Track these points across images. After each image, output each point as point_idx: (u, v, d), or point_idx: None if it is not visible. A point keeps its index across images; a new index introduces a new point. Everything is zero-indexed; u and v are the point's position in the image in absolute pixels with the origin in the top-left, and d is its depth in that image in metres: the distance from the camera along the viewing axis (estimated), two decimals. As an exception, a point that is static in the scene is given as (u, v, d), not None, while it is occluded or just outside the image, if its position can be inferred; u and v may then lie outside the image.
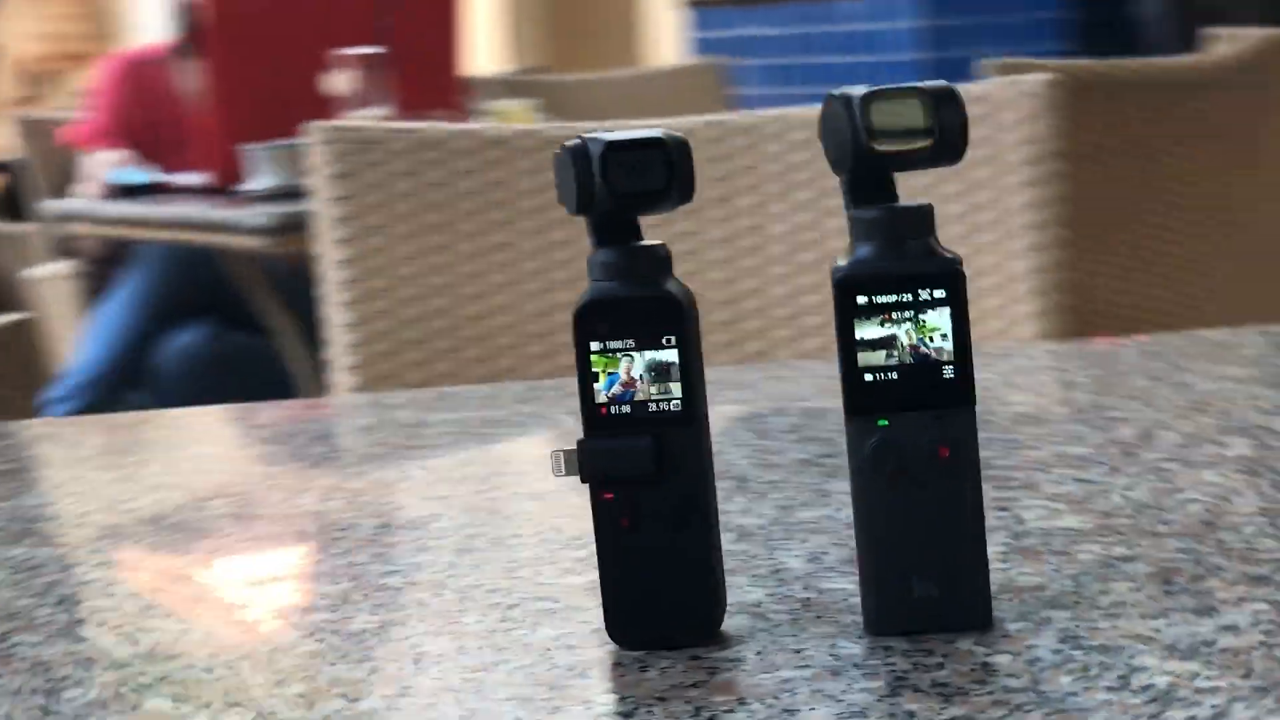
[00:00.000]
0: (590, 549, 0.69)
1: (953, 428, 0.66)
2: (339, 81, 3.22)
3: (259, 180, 3.14)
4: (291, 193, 3.12)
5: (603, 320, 0.67)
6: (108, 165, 3.51)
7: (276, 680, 0.68)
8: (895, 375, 0.66)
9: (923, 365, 0.66)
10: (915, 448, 0.66)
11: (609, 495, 0.68)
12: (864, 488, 0.67)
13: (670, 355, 0.67)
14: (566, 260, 1.76)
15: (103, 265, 3.80)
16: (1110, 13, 6.67)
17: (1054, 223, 1.71)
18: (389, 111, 3.17)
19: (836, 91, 0.68)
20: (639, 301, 0.67)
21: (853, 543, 0.69)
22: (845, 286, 0.66)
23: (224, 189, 3.27)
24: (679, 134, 0.68)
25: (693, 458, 0.68)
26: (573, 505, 0.89)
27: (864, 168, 0.67)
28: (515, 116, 3.41)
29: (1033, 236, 1.71)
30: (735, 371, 1.39)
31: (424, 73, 3.39)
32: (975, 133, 1.76)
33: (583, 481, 0.68)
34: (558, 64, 8.81)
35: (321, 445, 1.24)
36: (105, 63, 3.86)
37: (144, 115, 3.64)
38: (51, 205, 3.69)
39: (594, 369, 0.67)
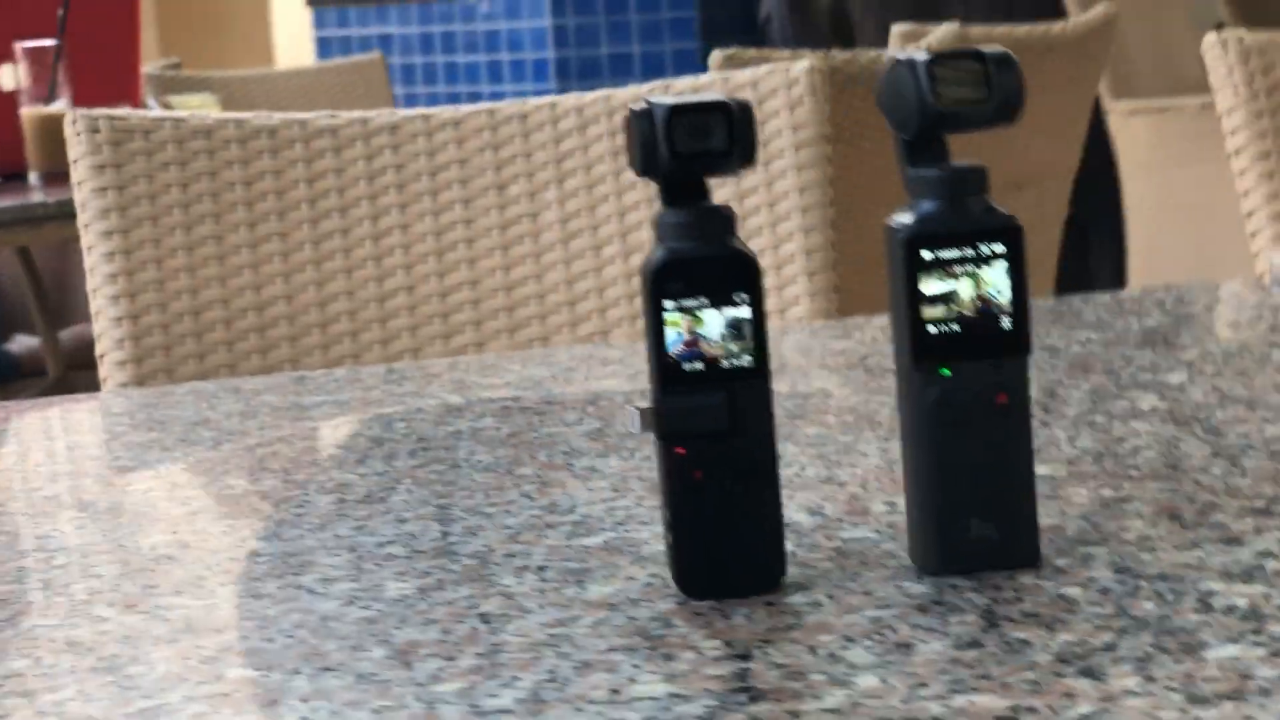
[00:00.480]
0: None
1: (1011, 376, 0.70)
2: (13, 75, 3.10)
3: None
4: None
5: (678, 278, 0.68)
6: None
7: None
8: (957, 326, 0.69)
9: (983, 316, 0.69)
10: (975, 396, 0.70)
11: (681, 450, 0.70)
12: (925, 435, 0.70)
13: (744, 312, 0.69)
14: (342, 249, 1.75)
15: None
16: (734, 12, 6.85)
17: (821, 204, 1.78)
18: (66, 106, 3.07)
19: (902, 56, 0.71)
20: (714, 260, 0.69)
21: (840, 495, 0.71)
22: (911, 242, 0.69)
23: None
24: (743, 99, 0.69)
25: (762, 413, 0.70)
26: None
27: (929, 128, 0.70)
28: (199, 109, 3.34)
29: (801, 219, 1.77)
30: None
31: (104, 66, 3.29)
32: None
33: (660, 439, 0.69)
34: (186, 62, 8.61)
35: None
36: None
37: None
38: None
39: (667, 326, 0.68)
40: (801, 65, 1.79)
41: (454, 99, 6.95)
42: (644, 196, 1.76)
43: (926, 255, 0.69)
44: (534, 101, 1.83)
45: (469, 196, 1.78)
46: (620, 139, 1.78)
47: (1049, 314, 1.26)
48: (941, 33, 2.69)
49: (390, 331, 1.77)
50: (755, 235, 1.76)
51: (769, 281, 1.74)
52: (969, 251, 0.69)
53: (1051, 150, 3.08)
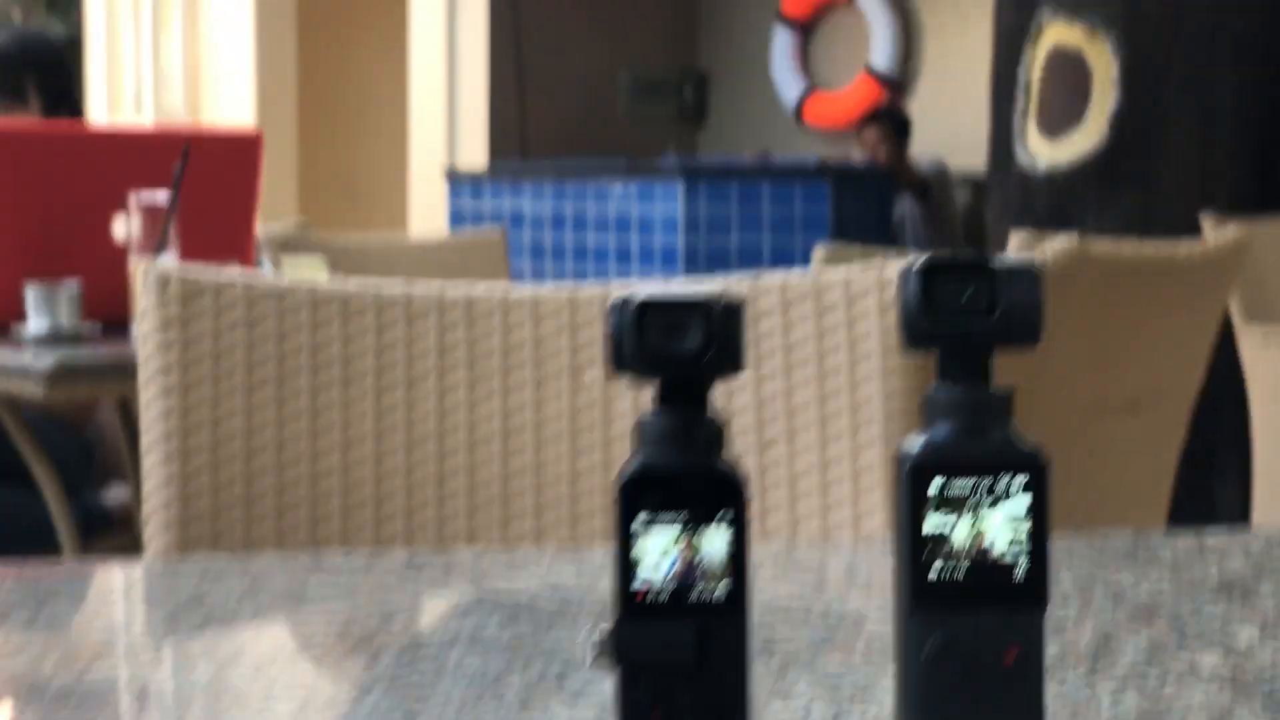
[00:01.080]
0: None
1: (1023, 631, 0.61)
2: (127, 225, 3.11)
3: (35, 322, 3.00)
4: (67, 337, 2.99)
5: (653, 492, 0.61)
6: None
7: None
8: (964, 571, 0.61)
9: (995, 561, 0.61)
10: (980, 652, 0.61)
11: (641, 685, 0.61)
12: (921, 693, 0.62)
13: (724, 536, 0.61)
14: (404, 424, 1.69)
15: None
16: (868, 210, 6.82)
17: (905, 413, 1.69)
18: (173, 260, 3.06)
19: (904, 263, 0.63)
20: (696, 476, 0.61)
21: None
22: (917, 471, 0.61)
23: (-6, 329, 3.12)
24: (734, 295, 0.62)
25: (735, 651, 0.62)
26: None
27: (922, 341, 0.62)
28: (307, 272, 3.33)
29: (883, 427, 1.69)
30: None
31: (219, 223, 3.30)
32: (829, 319, 1.74)
33: (616, 667, 0.61)
34: (316, 224, 8.73)
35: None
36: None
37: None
38: None
39: (636, 545, 0.61)
40: (895, 267, 1.72)
41: (580, 278, 6.96)
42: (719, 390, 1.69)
43: (934, 487, 0.61)
44: (616, 285, 1.77)
45: (541, 378, 1.72)
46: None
47: (1121, 550, 1.16)
48: (1059, 242, 2.61)
49: (447, 513, 1.70)
50: (835, 440, 1.67)
51: (845, 490, 1.66)
52: (985, 486, 0.61)
53: (1171, 371, 2.98)
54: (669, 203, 6.69)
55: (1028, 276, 0.62)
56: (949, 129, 8.47)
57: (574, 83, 8.71)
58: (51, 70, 3.51)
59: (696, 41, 9.45)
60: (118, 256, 3.13)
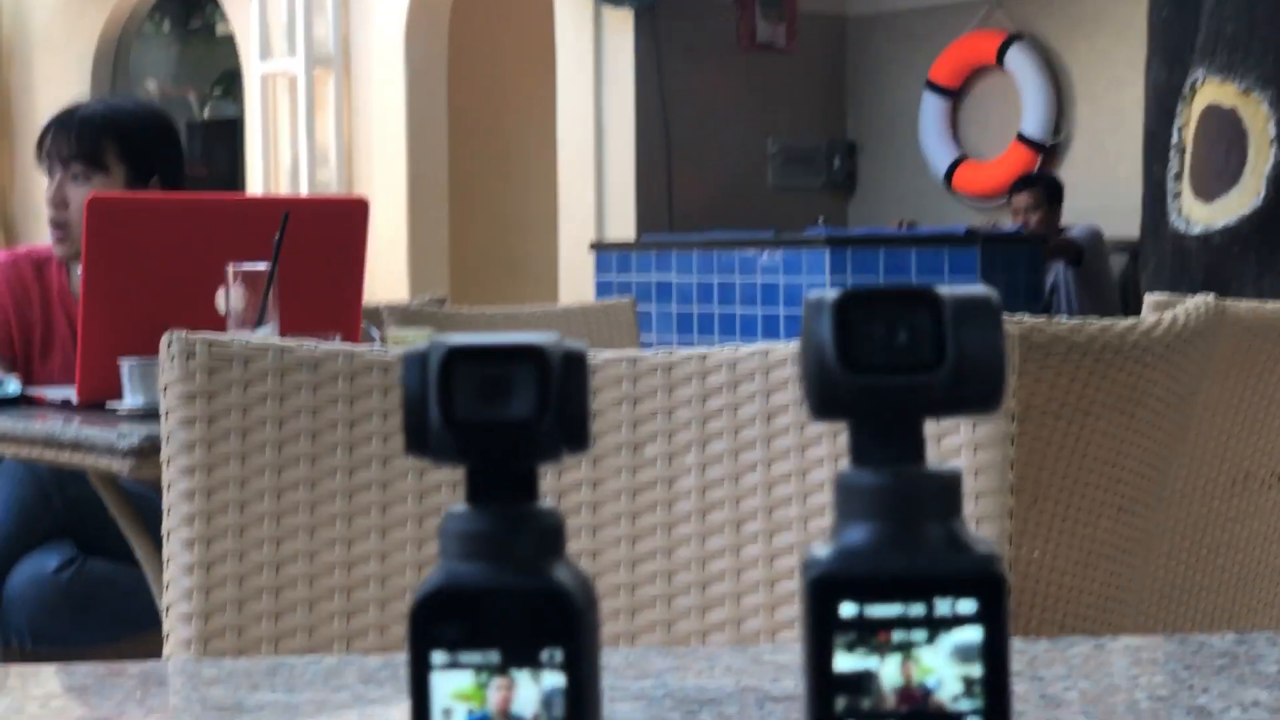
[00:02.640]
0: None
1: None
2: (227, 297, 3.01)
3: (131, 398, 2.91)
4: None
5: (455, 619, 0.45)
6: (-25, 370, 3.28)
7: None
8: (887, 721, 0.45)
9: (933, 715, 0.44)
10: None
11: None
12: None
13: (555, 679, 0.45)
14: (450, 504, 1.54)
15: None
16: (1019, 279, 6.61)
17: (998, 490, 1.52)
18: (272, 332, 2.96)
19: (814, 294, 0.47)
20: (511, 595, 0.45)
21: None
22: (822, 589, 0.45)
23: (93, 405, 3.04)
24: (574, 343, 0.47)
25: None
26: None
27: (836, 404, 0.46)
28: (412, 345, 3.22)
29: (974, 506, 1.51)
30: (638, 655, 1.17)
31: (322, 295, 3.20)
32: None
33: None
34: (460, 298, 8.69)
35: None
36: (-11, 261, 3.64)
37: (18, 312, 3.42)
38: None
39: (436, 693, 0.45)
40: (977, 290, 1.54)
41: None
42: (828, 453, 1.52)
43: (846, 610, 0.44)
44: (745, 349, 1.60)
45: (598, 454, 1.56)
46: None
47: (1218, 656, 0.98)
48: (1196, 302, 2.41)
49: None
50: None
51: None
52: (917, 609, 0.44)
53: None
54: (815, 273, 6.53)
55: (984, 312, 0.45)
56: (1103, 194, 8.21)
57: (721, 154, 8.59)
58: (134, 139, 3.43)
59: (844, 111, 9.29)
60: (221, 329, 3.03)
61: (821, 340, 0.45)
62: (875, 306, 0.44)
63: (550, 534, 0.46)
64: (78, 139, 3.36)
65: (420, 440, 0.45)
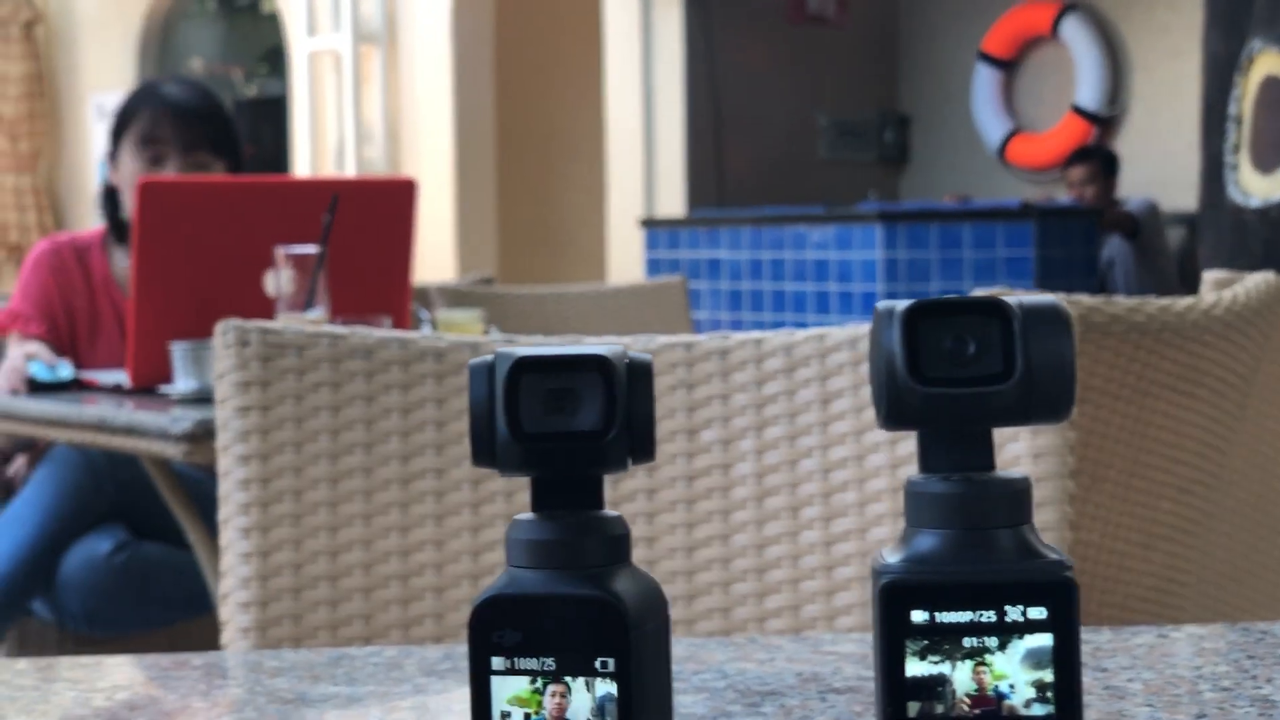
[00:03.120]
0: None
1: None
2: (277, 280, 3.01)
3: (182, 382, 2.91)
4: (212, 397, 2.90)
5: (512, 626, 0.44)
6: (27, 357, 3.29)
7: None
8: (964, 734, 0.44)
9: (1005, 718, 0.43)
10: None
11: None
12: None
13: (607, 687, 0.44)
14: (504, 492, 1.53)
15: (11, 458, 3.56)
16: (1074, 253, 6.57)
17: (1057, 475, 1.50)
18: (322, 315, 2.96)
19: (884, 304, 0.46)
20: (565, 603, 0.44)
21: None
22: (893, 596, 0.44)
23: (145, 389, 3.05)
24: (639, 354, 0.46)
25: None
26: None
27: (904, 414, 0.45)
28: (461, 327, 3.21)
29: (1035, 490, 1.49)
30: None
31: (371, 276, 3.19)
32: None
33: None
34: (507, 276, 8.69)
35: None
36: (36, 245, 3.66)
37: (63, 300, 3.43)
38: (-39, 397, 3.45)
39: (495, 696, 0.44)
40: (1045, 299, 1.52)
41: (778, 326, 6.79)
42: (886, 439, 1.50)
43: (917, 616, 0.43)
44: (801, 334, 1.58)
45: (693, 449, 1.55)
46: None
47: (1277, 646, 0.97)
48: (1255, 279, 2.38)
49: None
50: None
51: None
52: (987, 617, 0.43)
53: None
54: (867, 248, 6.51)
55: (1052, 321, 0.44)
56: (1160, 166, 8.15)
57: (772, 128, 8.56)
58: (232, 128, 3.49)
59: (896, 83, 9.24)
60: (270, 312, 3.04)
61: (891, 351, 0.44)
62: (944, 317, 0.43)
63: (614, 542, 0.45)
64: (205, 125, 3.41)
65: (487, 452, 0.45)
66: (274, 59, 12.07)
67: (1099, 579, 2.23)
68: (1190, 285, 5.95)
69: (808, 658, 1.06)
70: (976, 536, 0.44)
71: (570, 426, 0.44)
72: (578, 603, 0.44)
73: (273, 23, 10.99)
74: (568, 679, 0.45)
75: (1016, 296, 0.45)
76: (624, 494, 1.52)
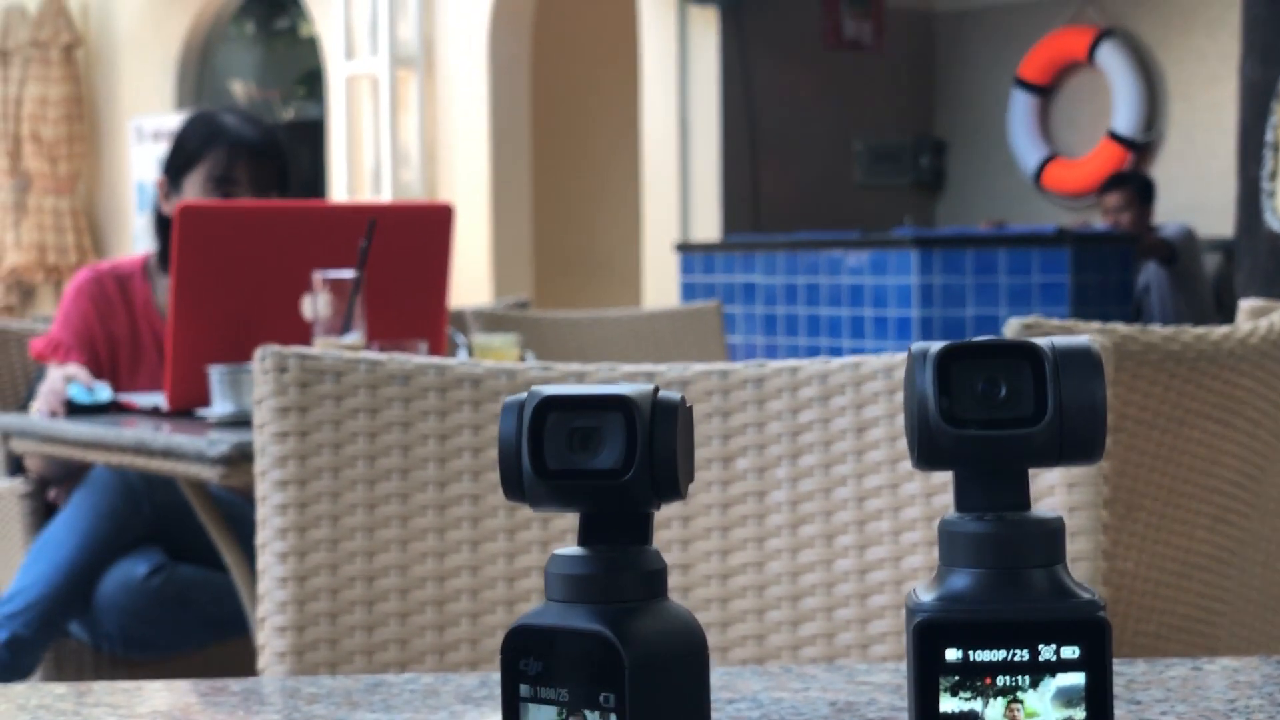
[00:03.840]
0: None
1: None
2: (314, 305, 3.03)
3: (220, 405, 2.93)
4: (250, 420, 2.92)
5: (533, 656, 0.45)
6: (66, 379, 3.31)
7: None
8: (997, 771, 0.44)
9: (1039, 760, 0.44)
10: None
11: None
12: None
13: (608, 725, 0.45)
14: (540, 518, 1.54)
15: (51, 484, 3.58)
16: (1109, 279, 6.56)
17: (1091, 504, 1.50)
18: (359, 339, 2.98)
19: (918, 346, 0.47)
20: (572, 638, 0.45)
21: None
22: (927, 634, 0.44)
23: (182, 412, 3.07)
24: (669, 393, 0.46)
25: None
26: None
27: (936, 454, 0.45)
28: (497, 352, 3.23)
29: (1067, 520, 1.49)
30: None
31: (408, 301, 3.21)
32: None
33: None
34: (543, 300, 8.71)
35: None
36: (77, 274, 3.69)
37: (104, 328, 3.45)
38: (2, 420, 3.48)
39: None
40: (1082, 341, 1.52)
41: (814, 353, 6.79)
42: (931, 475, 1.50)
43: (952, 654, 0.44)
44: (836, 363, 1.58)
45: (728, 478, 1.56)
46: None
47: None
48: (1292, 312, 2.38)
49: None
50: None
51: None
52: (1020, 656, 0.44)
53: None
54: (902, 273, 6.51)
55: (1084, 364, 0.45)
56: (1197, 192, 8.13)
57: (807, 153, 8.57)
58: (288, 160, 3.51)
59: (933, 108, 9.24)
60: (307, 336, 3.06)
61: (924, 393, 0.44)
62: (976, 360, 0.44)
63: (648, 577, 0.46)
64: (275, 163, 3.43)
65: (515, 487, 0.46)
66: (312, 82, 12.13)
67: (1135, 607, 2.22)
68: (1226, 311, 5.93)
69: (841, 687, 1.07)
70: (1009, 576, 0.44)
71: (591, 464, 0.45)
72: (580, 638, 0.45)
73: (311, 46, 11.05)
74: (584, 711, 0.46)
75: (1049, 339, 0.46)
76: (659, 521, 1.53)
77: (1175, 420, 2.22)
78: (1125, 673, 1.08)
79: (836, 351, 6.83)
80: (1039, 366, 0.45)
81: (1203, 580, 2.31)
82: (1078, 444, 0.45)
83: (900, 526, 1.52)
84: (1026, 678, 0.44)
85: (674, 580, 1.53)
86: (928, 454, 0.44)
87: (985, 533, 0.45)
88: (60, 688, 1.10)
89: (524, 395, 0.46)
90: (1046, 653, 0.44)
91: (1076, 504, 1.50)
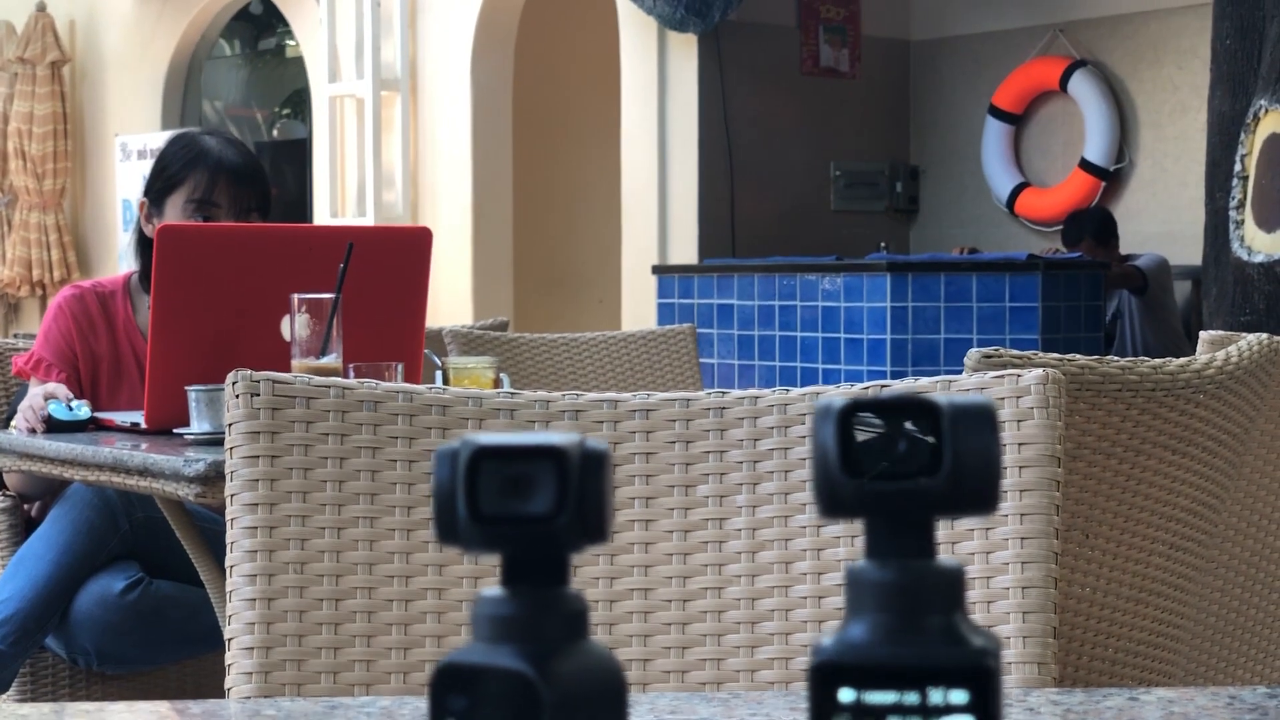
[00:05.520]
0: None
1: None
2: (293, 326, 3.06)
3: (198, 425, 2.96)
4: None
5: (456, 694, 0.49)
6: (46, 397, 3.34)
7: None
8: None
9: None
10: None
11: None
12: None
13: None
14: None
15: (30, 500, 3.61)
16: (1081, 305, 6.61)
17: (1044, 534, 1.54)
18: (336, 361, 3.01)
19: (823, 400, 0.51)
20: (491, 676, 0.49)
21: None
22: (822, 675, 0.48)
23: (159, 430, 3.10)
24: (597, 443, 0.50)
25: None
26: None
27: (840, 505, 0.49)
28: (473, 375, 3.26)
29: (1019, 573, 1.54)
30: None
31: (386, 323, 3.24)
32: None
33: None
34: (523, 320, 8.75)
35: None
36: (60, 291, 3.72)
37: (86, 347, 3.48)
38: (-21, 436, 3.50)
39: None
40: (1034, 374, 1.57)
41: (789, 375, 6.84)
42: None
43: (845, 696, 0.48)
44: (796, 392, 1.63)
45: (652, 494, 1.60)
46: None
47: (1249, 710, 1.01)
48: (1250, 340, 2.42)
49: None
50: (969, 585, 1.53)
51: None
52: (910, 699, 0.48)
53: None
54: (877, 298, 6.56)
55: (979, 421, 0.49)
56: (1167, 221, 8.20)
57: (784, 178, 8.62)
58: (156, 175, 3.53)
59: (908, 135, 9.31)
60: (286, 357, 3.09)
61: (826, 446, 0.48)
62: (878, 415, 0.48)
63: (569, 619, 0.50)
64: (255, 187, 3.46)
65: (450, 531, 0.50)
66: (296, 102, 12.17)
67: (1091, 633, 2.27)
68: (1196, 340, 5.98)
69: (789, 714, 1.10)
70: (906, 621, 0.48)
71: (524, 510, 0.49)
72: (500, 676, 0.49)
73: (297, 66, 11.08)
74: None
75: (949, 395, 0.50)
76: (621, 546, 1.57)
77: (1132, 450, 2.27)
78: (1063, 702, 1.12)
79: (811, 374, 6.88)
80: (935, 421, 0.49)
81: (1159, 607, 2.35)
82: (972, 497, 0.49)
83: (856, 553, 1.56)
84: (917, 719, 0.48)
85: (634, 604, 1.57)
86: (831, 505, 0.48)
87: (884, 580, 0.49)
88: (25, 708, 1.13)
89: (456, 444, 0.50)
90: (935, 696, 0.48)
91: (1029, 533, 1.55)
